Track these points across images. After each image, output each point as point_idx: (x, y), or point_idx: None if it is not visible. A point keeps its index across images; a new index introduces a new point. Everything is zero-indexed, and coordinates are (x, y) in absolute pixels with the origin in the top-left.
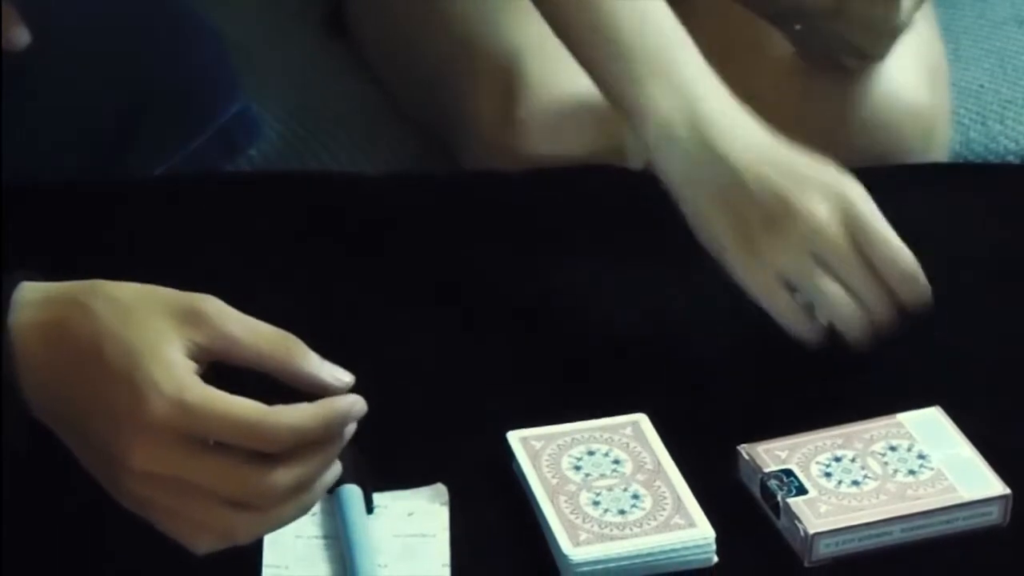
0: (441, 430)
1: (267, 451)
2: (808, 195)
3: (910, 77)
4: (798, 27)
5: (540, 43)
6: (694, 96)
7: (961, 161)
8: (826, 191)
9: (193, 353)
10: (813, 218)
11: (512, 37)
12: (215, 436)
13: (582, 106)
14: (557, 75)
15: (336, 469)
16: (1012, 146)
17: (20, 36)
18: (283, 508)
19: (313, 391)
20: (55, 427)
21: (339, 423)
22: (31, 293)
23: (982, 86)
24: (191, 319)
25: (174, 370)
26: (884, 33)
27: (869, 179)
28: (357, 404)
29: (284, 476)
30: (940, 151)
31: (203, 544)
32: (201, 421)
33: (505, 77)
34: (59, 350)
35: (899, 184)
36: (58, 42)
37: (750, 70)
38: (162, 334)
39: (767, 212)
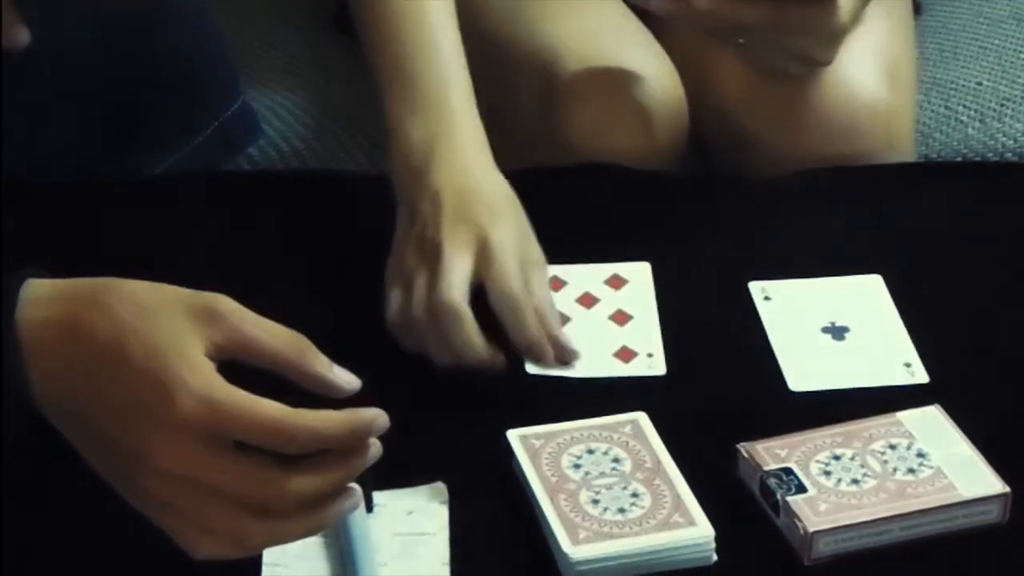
0: (441, 429)
1: (289, 452)
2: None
3: (867, 75)
4: (741, 41)
5: (579, 42)
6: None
7: (959, 159)
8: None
9: (211, 352)
10: None
11: (551, 34)
12: (240, 435)
13: (622, 102)
14: (598, 71)
15: (356, 499)
16: (1010, 144)
17: (19, 35)
18: (296, 519)
19: (322, 392)
20: (62, 424)
21: (361, 432)
22: (39, 290)
23: (980, 84)
24: (208, 318)
25: (201, 369)
26: (826, 37)
27: (868, 178)
28: (380, 419)
29: (303, 483)
30: (903, 149)
31: (206, 549)
32: (228, 420)
33: (546, 76)
34: (75, 347)
35: (898, 183)
36: (58, 41)
37: (714, 76)
38: (184, 333)
39: None
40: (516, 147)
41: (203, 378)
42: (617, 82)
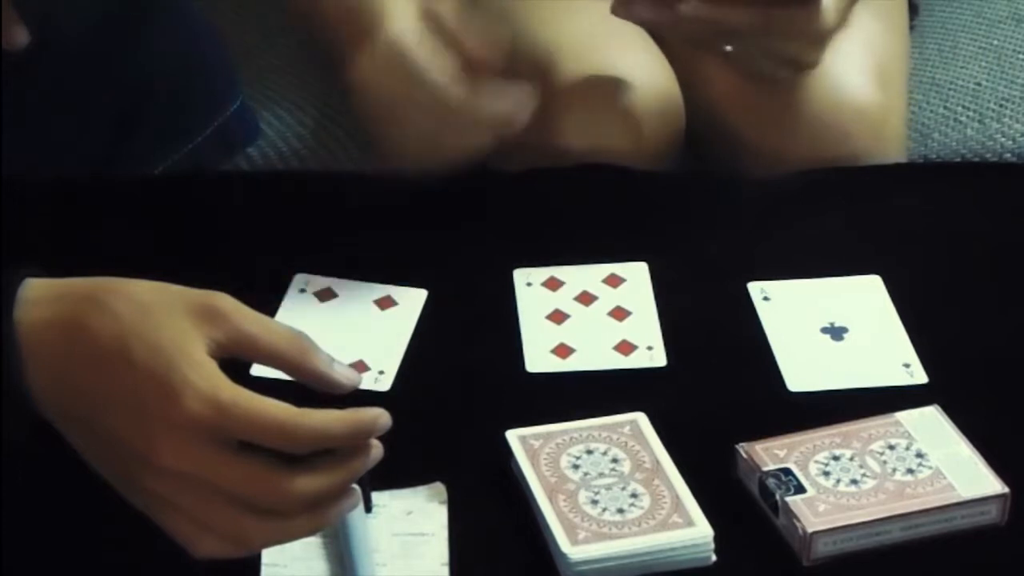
0: (440, 429)
1: (293, 452)
2: None
3: (856, 77)
4: (728, 48)
5: (574, 42)
6: None
7: (958, 159)
8: None
9: (212, 351)
10: None
11: (546, 36)
12: (245, 435)
13: (616, 104)
14: (592, 73)
15: (355, 498)
16: (1009, 144)
17: (18, 36)
18: (298, 519)
19: (324, 389)
20: (62, 425)
21: (364, 431)
22: (38, 290)
23: (979, 84)
24: (209, 316)
25: (205, 368)
26: (811, 39)
27: (867, 178)
28: (382, 418)
29: (306, 484)
30: (894, 150)
31: (207, 548)
32: (232, 420)
33: (540, 75)
34: (76, 347)
35: (897, 183)
36: (57, 41)
37: (704, 77)
38: (186, 332)
39: None
40: (511, 148)
41: (208, 378)
42: (611, 84)
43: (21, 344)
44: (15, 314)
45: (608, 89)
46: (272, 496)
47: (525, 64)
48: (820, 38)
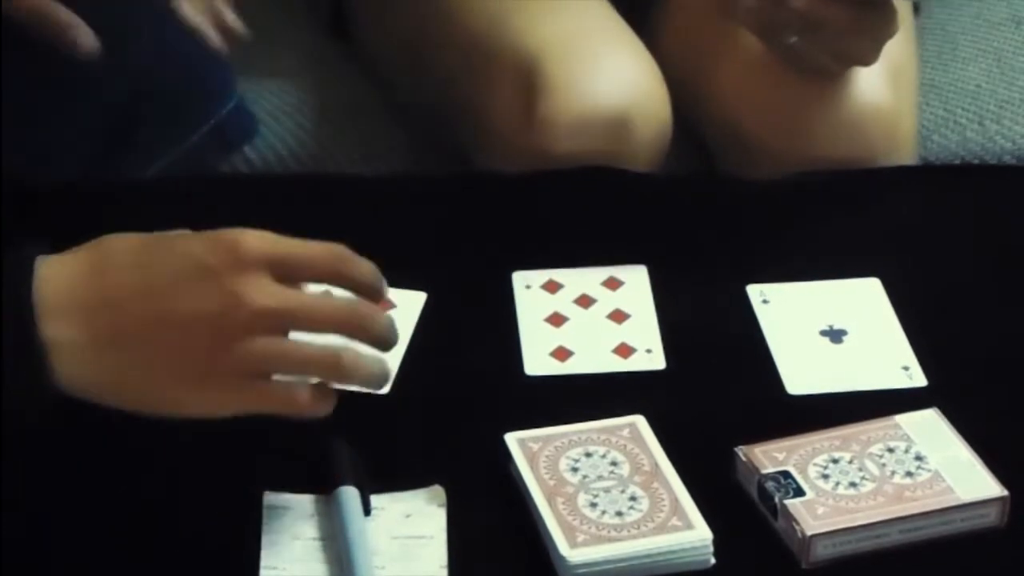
0: (439, 432)
1: (350, 276)
2: None
3: (870, 78)
4: (794, 39)
5: (560, 43)
6: None
7: (958, 162)
8: None
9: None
10: None
11: (532, 37)
12: (306, 266)
13: (602, 106)
14: (577, 75)
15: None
16: (1009, 146)
17: (88, 41)
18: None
19: (364, 294)
20: (111, 358)
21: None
22: (53, 264)
23: (979, 86)
24: (236, 246)
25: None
26: (882, 39)
27: (866, 181)
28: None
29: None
30: (905, 152)
31: (307, 400)
32: (289, 250)
33: (526, 77)
34: (111, 259)
35: (896, 185)
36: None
37: (717, 78)
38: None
39: None
40: (499, 147)
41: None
42: (596, 84)
43: (50, 294)
44: (37, 283)
45: (592, 88)
46: (367, 320)
47: (510, 65)
48: (886, 40)
